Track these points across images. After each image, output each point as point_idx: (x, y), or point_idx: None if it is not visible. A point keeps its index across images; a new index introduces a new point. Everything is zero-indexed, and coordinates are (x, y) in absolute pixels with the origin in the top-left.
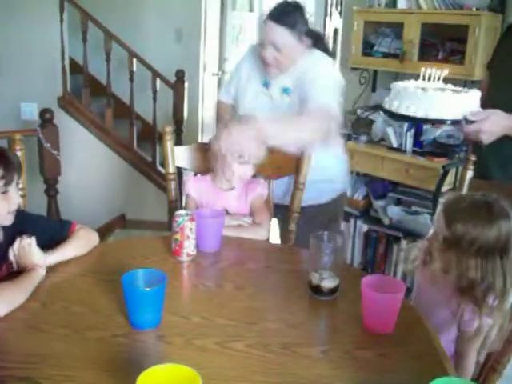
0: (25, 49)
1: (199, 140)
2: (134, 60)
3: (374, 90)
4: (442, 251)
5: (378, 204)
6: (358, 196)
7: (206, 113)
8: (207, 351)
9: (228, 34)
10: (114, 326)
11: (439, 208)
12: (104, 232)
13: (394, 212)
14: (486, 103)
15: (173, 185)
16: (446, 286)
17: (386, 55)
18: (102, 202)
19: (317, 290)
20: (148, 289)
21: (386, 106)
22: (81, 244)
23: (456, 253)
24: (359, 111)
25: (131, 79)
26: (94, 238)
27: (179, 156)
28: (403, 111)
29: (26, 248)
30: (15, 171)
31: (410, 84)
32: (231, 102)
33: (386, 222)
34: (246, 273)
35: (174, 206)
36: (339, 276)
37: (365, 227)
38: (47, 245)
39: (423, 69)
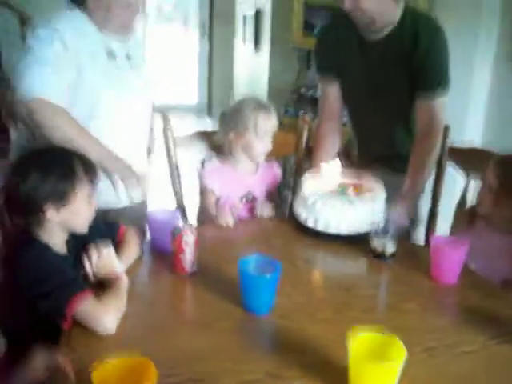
0: None
1: None
2: None
3: (308, 67)
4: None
5: None
6: None
7: None
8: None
9: None
10: (234, 315)
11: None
12: None
13: None
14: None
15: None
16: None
17: None
18: None
19: (380, 255)
20: (268, 275)
21: (310, 225)
22: (137, 247)
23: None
24: (302, 90)
25: None
26: (140, 238)
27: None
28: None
29: (106, 257)
30: (97, 174)
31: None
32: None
33: None
34: (312, 249)
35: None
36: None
37: None
38: None
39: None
